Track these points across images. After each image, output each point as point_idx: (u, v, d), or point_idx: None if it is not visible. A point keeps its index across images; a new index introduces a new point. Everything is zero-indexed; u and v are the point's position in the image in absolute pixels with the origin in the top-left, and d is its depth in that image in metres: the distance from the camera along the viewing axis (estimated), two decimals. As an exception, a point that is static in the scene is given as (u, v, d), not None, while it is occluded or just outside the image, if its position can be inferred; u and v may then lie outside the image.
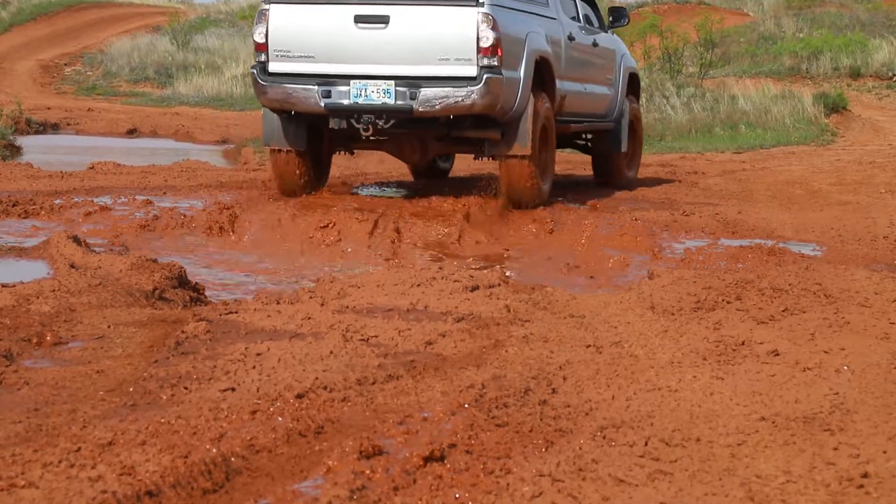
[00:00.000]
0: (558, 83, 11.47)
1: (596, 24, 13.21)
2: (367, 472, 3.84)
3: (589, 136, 13.40)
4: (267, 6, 10.50)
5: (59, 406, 4.50)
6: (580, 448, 4.08)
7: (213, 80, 29.52)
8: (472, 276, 7.06)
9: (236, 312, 6.20)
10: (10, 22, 39.24)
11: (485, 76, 10.13)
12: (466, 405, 4.61)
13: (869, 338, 5.62)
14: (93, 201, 10.70)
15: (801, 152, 18.68)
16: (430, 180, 13.05)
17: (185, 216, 10.17)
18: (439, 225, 10.05)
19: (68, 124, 22.80)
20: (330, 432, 4.28)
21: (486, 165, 13.65)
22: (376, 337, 5.65)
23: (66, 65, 34.65)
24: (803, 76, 28.27)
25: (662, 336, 5.77)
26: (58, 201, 10.63)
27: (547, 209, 10.64)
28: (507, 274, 7.71)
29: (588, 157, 14.32)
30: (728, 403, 4.60)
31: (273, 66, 10.47)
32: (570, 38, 12.01)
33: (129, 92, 30.34)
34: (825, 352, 5.34)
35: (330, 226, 9.94)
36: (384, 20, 10.29)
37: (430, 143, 11.09)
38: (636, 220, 10.26)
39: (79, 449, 3.89)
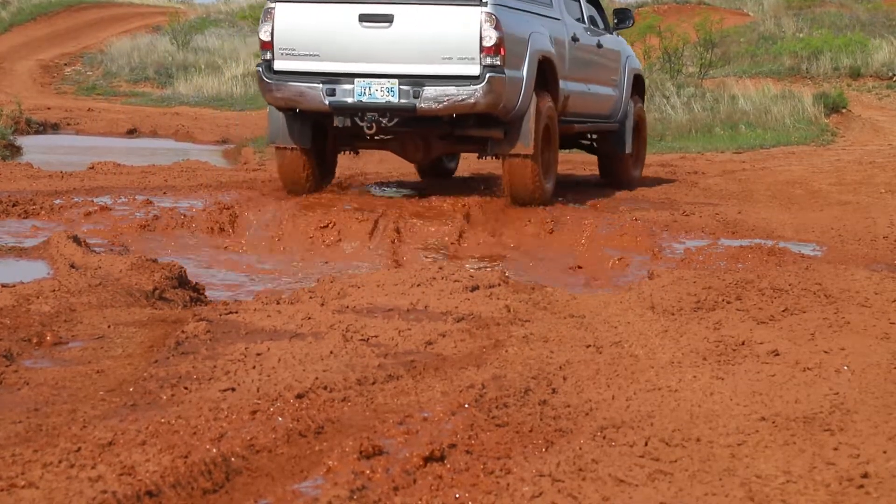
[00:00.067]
0: (562, 83, 11.51)
1: (601, 25, 13.23)
2: (367, 472, 3.84)
3: (594, 137, 13.45)
4: (273, 5, 10.56)
5: (59, 406, 4.50)
6: (580, 448, 4.08)
7: (213, 80, 29.52)
8: (472, 276, 7.06)
9: (236, 312, 6.19)
10: (10, 22, 39.24)
11: (487, 75, 10.16)
12: (466, 405, 4.61)
13: (869, 338, 5.62)
14: (93, 201, 10.68)
15: (801, 152, 18.68)
16: (432, 180, 13.07)
17: (185, 216, 10.17)
18: (439, 225, 10.06)
19: (68, 124, 22.80)
20: (330, 432, 4.28)
21: (486, 165, 13.66)
22: (376, 337, 5.65)
23: (66, 65, 34.64)
24: (803, 76, 28.28)
25: (662, 336, 5.77)
26: (58, 201, 10.62)
27: (547, 209, 10.66)
28: (507, 274, 7.70)
29: (589, 158, 14.35)
30: (728, 403, 4.59)
31: (278, 65, 10.53)
32: (575, 39, 12.03)
33: (129, 92, 30.34)
34: (825, 352, 5.33)
35: (330, 226, 9.95)
36: (388, 19, 10.33)
37: (433, 142, 11.13)
38: (636, 220, 10.26)
39: (79, 449, 3.89)
